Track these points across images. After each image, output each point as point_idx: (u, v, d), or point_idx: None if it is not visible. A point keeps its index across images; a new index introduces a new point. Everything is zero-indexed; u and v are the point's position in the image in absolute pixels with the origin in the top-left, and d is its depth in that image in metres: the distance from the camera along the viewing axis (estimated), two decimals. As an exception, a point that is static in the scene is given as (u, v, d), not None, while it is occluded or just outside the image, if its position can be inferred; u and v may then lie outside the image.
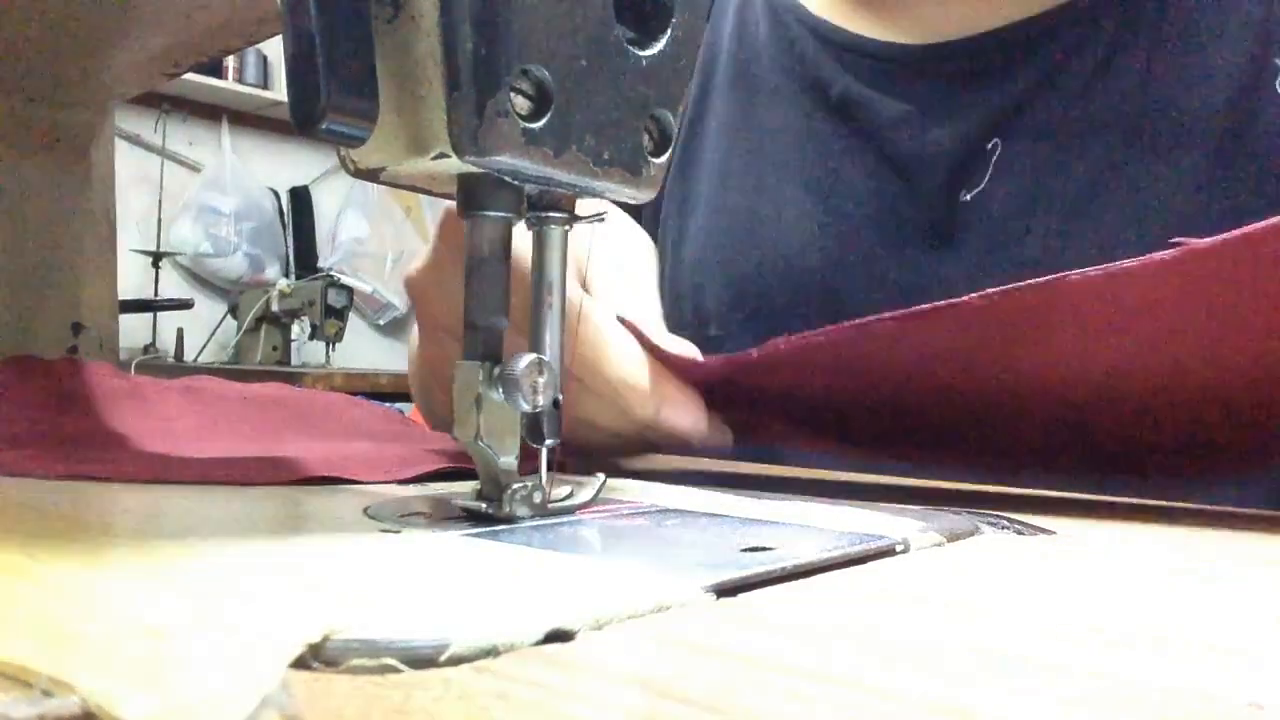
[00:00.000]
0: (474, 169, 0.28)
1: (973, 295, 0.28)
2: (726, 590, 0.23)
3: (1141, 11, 0.59)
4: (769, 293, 0.66)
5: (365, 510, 0.31)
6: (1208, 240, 0.24)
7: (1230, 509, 0.42)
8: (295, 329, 2.88)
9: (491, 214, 0.31)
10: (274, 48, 2.76)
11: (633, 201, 0.33)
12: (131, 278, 2.75)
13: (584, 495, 0.33)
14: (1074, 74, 0.60)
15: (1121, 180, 0.57)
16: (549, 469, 0.31)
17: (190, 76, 2.68)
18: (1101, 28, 0.59)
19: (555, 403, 0.31)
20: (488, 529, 0.29)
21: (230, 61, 3.02)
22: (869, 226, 0.64)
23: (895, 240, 0.63)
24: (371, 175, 0.31)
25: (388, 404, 0.69)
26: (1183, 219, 0.56)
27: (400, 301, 3.47)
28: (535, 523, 0.30)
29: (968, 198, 0.61)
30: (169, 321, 2.79)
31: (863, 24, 0.67)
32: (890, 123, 0.64)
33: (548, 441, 0.31)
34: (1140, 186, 0.57)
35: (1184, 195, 0.56)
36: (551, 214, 0.33)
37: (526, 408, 0.30)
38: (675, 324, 0.71)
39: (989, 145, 0.60)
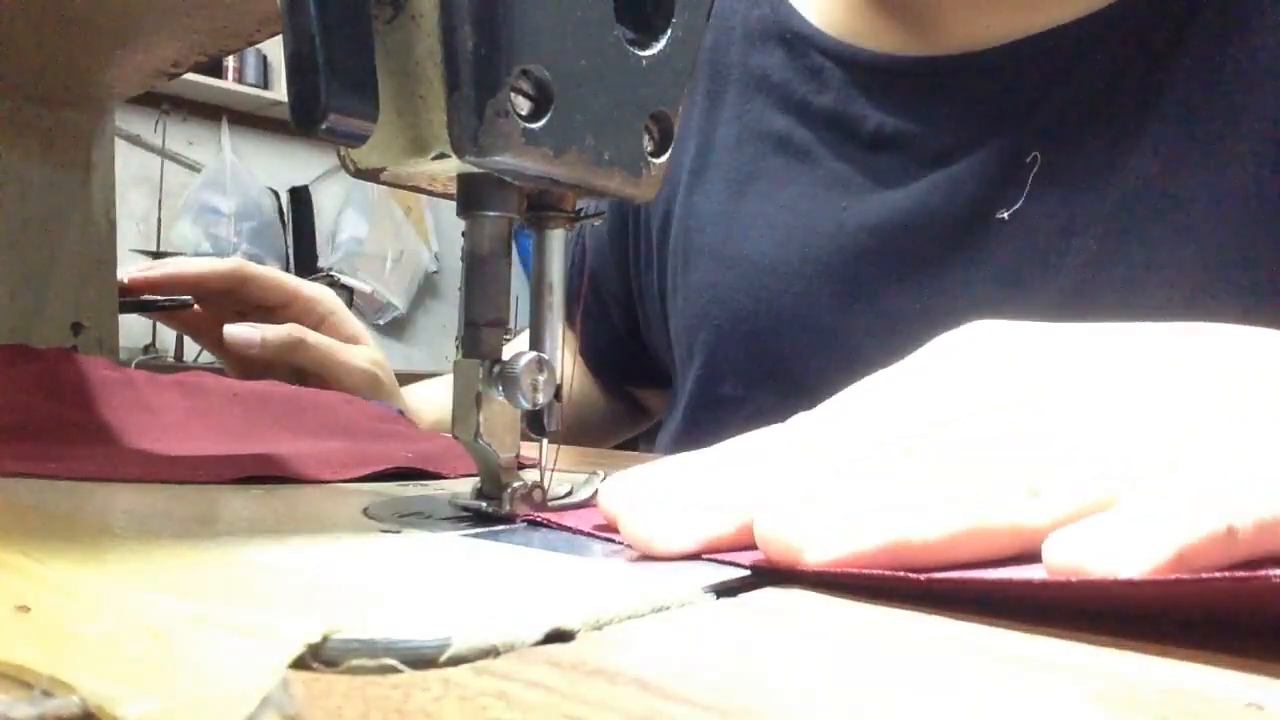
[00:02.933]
0: (474, 169, 0.28)
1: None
2: (726, 590, 0.23)
3: (1197, 16, 0.55)
4: (785, 348, 0.63)
5: (365, 510, 0.31)
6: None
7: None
8: (295, 329, 2.88)
9: (491, 214, 0.31)
10: (274, 48, 2.75)
11: (633, 202, 0.33)
12: (131, 278, 2.75)
13: (584, 493, 0.33)
14: (1124, 80, 0.56)
15: (1167, 195, 0.54)
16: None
17: (190, 76, 2.68)
18: (1154, 32, 0.56)
19: (556, 394, 0.31)
20: (488, 529, 0.29)
21: (230, 61, 3.02)
22: (892, 260, 0.61)
23: (922, 270, 0.60)
24: (371, 175, 0.31)
25: (387, 404, 0.69)
26: (1231, 234, 0.53)
27: (400, 301, 3.47)
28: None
29: (1005, 215, 0.57)
30: (169, 321, 2.80)
31: (892, 39, 0.63)
32: (928, 155, 0.60)
33: (549, 430, 0.32)
34: (1187, 200, 0.54)
35: (1234, 208, 0.53)
36: (551, 214, 0.33)
37: (526, 405, 0.30)
38: (683, 374, 0.70)
39: (1028, 159, 0.57)
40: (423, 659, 0.17)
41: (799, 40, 0.67)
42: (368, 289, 3.34)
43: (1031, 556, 0.25)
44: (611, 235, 0.78)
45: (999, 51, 0.59)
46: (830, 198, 0.63)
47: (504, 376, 0.30)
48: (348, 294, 2.82)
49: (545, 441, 0.32)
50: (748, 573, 0.24)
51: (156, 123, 2.89)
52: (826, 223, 0.63)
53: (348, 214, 3.41)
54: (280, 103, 3.06)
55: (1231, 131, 0.53)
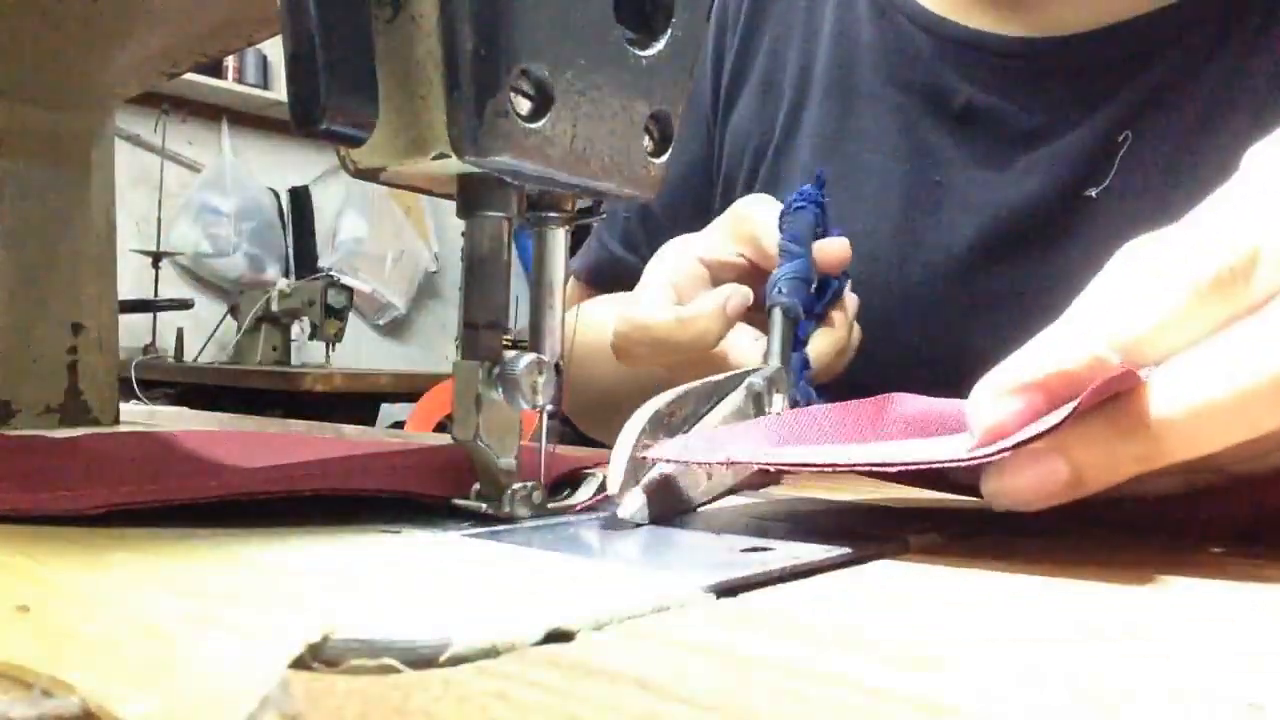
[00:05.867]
0: (474, 169, 0.28)
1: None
2: (726, 590, 0.23)
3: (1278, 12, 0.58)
4: (876, 316, 0.62)
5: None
6: None
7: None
8: (295, 329, 2.88)
9: (491, 214, 0.31)
10: (274, 48, 2.75)
11: (632, 202, 0.33)
12: (131, 278, 2.75)
13: (583, 494, 0.33)
14: (1211, 65, 0.58)
15: None
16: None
17: (190, 76, 2.68)
18: (1238, 22, 0.58)
19: (556, 368, 0.31)
20: (488, 529, 0.29)
21: (230, 61, 3.02)
22: (979, 235, 0.62)
23: (1009, 246, 0.61)
24: (371, 175, 0.31)
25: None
26: None
27: (400, 301, 3.47)
28: (535, 523, 0.30)
29: (1094, 194, 0.59)
30: (169, 321, 2.79)
31: (982, 18, 0.64)
32: (1020, 135, 0.62)
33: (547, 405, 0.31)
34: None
35: None
36: (551, 214, 0.33)
37: (526, 407, 0.30)
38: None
39: (1120, 138, 0.59)
40: (423, 659, 0.17)
41: (890, 6, 0.67)
42: (368, 289, 3.34)
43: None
44: (682, 196, 0.75)
45: (1087, 36, 0.60)
46: (924, 168, 0.64)
47: (503, 378, 0.30)
48: (348, 294, 2.82)
49: (543, 440, 0.32)
50: (748, 572, 0.24)
51: (156, 123, 2.89)
52: (923, 199, 0.64)
53: (348, 214, 3.41)
54: (280, 103, 3.06)
55: None
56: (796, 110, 0.70)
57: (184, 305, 2.74)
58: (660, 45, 0.31)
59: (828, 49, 0.69)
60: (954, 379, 0.55)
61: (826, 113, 0.68)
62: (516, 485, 0.31)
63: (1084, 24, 0.61)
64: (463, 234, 0.31)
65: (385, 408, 2.81)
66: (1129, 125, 0.59)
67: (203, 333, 2.91)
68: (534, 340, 0.33)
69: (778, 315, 0.46)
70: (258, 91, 3.11)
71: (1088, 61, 0.60)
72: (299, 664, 0.16)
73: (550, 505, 0.32)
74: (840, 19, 0.69)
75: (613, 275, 0.80)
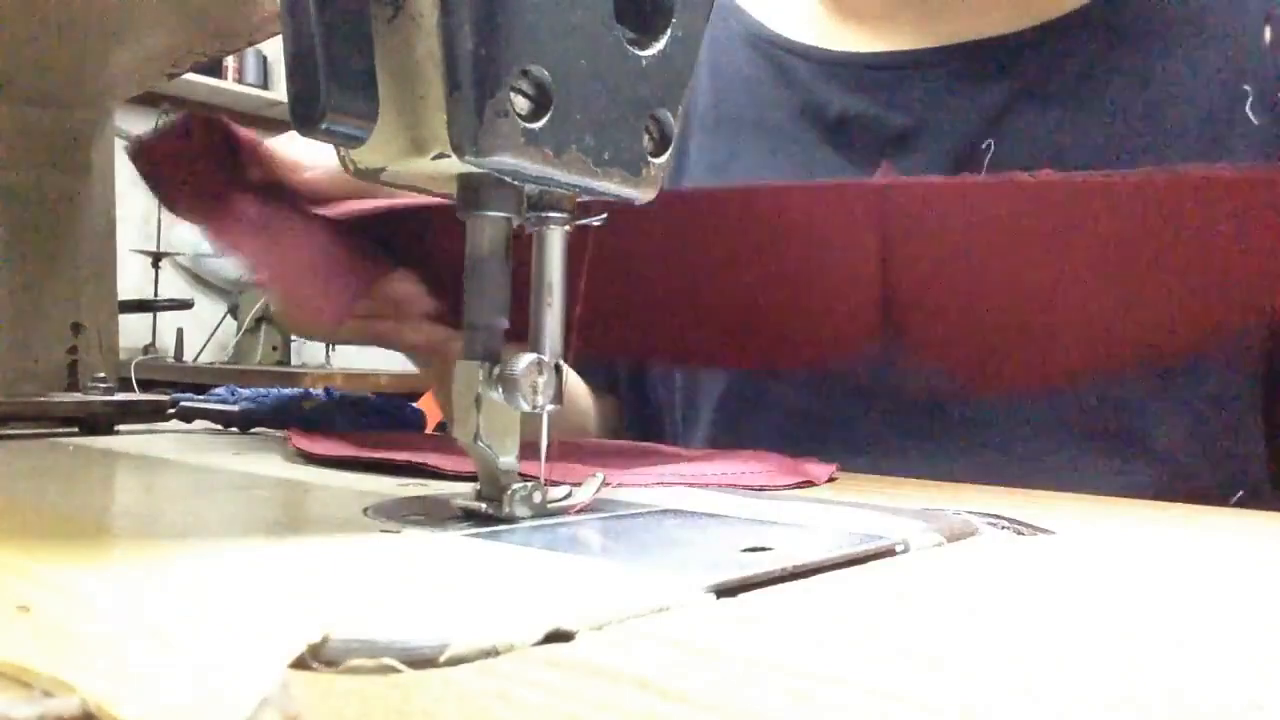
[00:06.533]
0: (474, 169, 0.28)
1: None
2: (726, 590, 0.23)
3: (1126, 31, 0.64)
4: None
5: (365, 510, 0.31)
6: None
7: (1230, 510, 0.42)
8: (295, 329, 2.88)
9: (491, 214, 0.31)
10: (274, 48, 2.75)
11: (633, 202, 0.33)
12: (131, 278, 2.75)
13: (582, 495, 0.33)
14: (1061, 80, 0.64)
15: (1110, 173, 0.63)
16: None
17: (190, 76, 2.68)
18: (1086, 42, 0.64)
19: (556, 368, 0.31)
20: (488, 529, 0.29)
21: (230, 61, 3.02)
22: None
23: None
24: (371, 175, 0.31)
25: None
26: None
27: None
28: (535, 523, 0.30)
29: None
30: (169, 321, 2.79)
31: (850, 40, 0.71)
32: (891, 136, 0.67)
33: (548, 407, 0.31)
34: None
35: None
36: (551, 214, 0.33)
37: (526, 408, 0.30)
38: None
39: (984, 145, 0.64)
40: (422, 659, 0.17)
41: (764, 43, 0.73)
42: (368, 289, 3.34)
43: None
44: None
45: (942, 50, 0.67)
46: (807, 176, 0.69)
47: (504, 378, 0.30)
48: (348, 294, 2.81)
49: (544, 440, 0.32)
50: (748, 572, 0.24)
51: (156, 123, 2.89)
52: None
53: (348, 214, 3.41)
54: (280, 103, 3.06)
55: (1157, 128, 0.62)
56: (682, 142, 0.76)
57: (184, 305, 2.73)
58: (660, 45, 0.31)
59: (705, 86, 0.75)
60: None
61: (711, 142, 0.74)
62: (516, 485, 0.31)
63: (939, 39, 0.67)
64: (462, 234, 0.31)
65: (385, 408, 2.80)
66: (989, 132, 0.65)
67: (203, 333, 2.90)
68: (534, 340, 0.33)
69: None
70: (258, 91, 3.11)
71: (950, 69, 0.66)
72: (299, 664, 0.16)
73: (550, 505, 0.32)
74: (714, 59, 0.75)
75: None
